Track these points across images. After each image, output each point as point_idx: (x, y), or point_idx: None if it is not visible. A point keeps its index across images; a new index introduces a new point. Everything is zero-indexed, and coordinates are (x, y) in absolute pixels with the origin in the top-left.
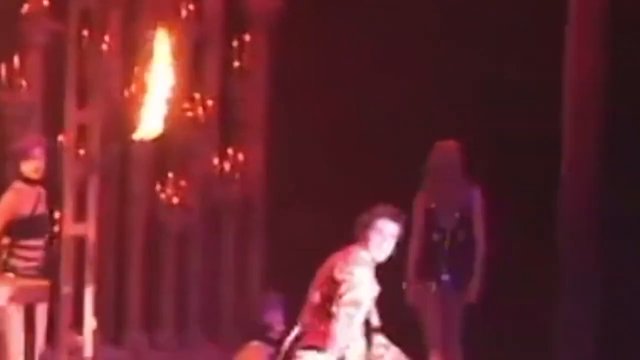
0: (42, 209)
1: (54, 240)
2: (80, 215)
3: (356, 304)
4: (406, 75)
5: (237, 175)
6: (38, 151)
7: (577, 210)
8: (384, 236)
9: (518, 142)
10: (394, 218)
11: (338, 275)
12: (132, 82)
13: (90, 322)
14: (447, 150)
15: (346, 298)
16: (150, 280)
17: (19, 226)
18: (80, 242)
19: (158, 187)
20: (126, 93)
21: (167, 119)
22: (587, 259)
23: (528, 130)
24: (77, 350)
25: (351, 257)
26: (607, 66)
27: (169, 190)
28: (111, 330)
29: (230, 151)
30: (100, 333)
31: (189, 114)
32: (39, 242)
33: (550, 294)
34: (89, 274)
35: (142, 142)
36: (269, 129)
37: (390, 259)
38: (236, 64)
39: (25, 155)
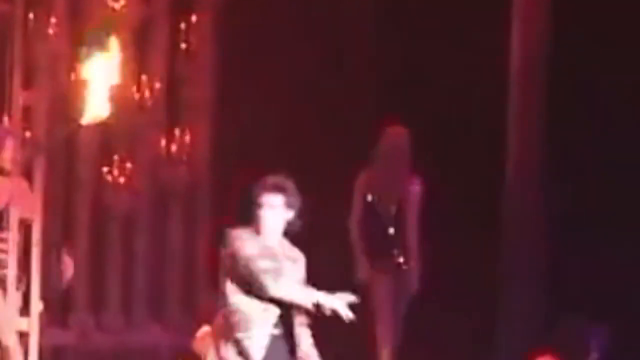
0: (17, 202)
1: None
2: None
3: (244, 277)
4: (354, 56)
5: (184, 157)
6: (11, 141)
7: (522, 194)
8: (264, 209)
9: (462, 126)
10: (271, 189)
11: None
12: (79, 64)
13: (36, 305)
14: (396, 136)
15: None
16: (97, 263)
17: None
18: (26, 226)
19: (105, 169)
20: (72, 76)
21: (114, 101)
22: (533, 246)
23: (473, 114)
24: (24, 333)
25: (232, 234)
26: (551, 48)
27: (116, 173)
28: (57, 313)
29: (177, 133)
30: (47, 315)
31: (136, 96)
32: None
33: (495, 284)
34: (35, 257)
35: (88, 125)
36: (216, 111)
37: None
38: (183, 45)
39: None
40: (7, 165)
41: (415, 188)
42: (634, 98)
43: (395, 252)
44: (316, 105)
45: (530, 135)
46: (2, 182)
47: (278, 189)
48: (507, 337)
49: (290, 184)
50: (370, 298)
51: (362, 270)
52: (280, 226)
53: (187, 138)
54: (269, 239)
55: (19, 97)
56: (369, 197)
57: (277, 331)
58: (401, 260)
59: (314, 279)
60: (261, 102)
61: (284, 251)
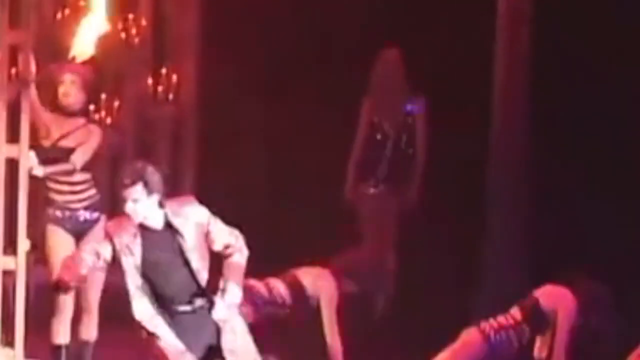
0: (74, 142)
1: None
2: (13, 137)
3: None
4: None
5: (170, 96)
6: (71, 77)
7: (511, 112)
8: (128, 204)
9: (453, 51)
10: (128, 184)
11: None
12: (66, 3)
13: (23, 243)
14: (389, 59)
15: None
16: None
17: (43, 155)
18: (13, 164)
19: (91, 108)
20: (59, 14)
21: (101, 40)
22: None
23: (462, 38)
24: (10, 272)
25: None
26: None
27: (103, 111)
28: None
29: (163, 71)
30: (33, 254)
31: (122, 34)
32: (72, 177)
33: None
34: (22, 196)
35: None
36: (203, 49)
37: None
38: None
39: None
40: (66, 102)
41: (422, 109)
42: (621, 58)
43: (385, 172)
44: (307, 37)
45: (519, 49)
46: (62, 119)
47: (134, 181)
48: (492, 274)
49: (146, 170)
50: (358, 218)
51: (350, 191)
52: (153, 211)
53: (174, 77)
54: (151, 224)
55: (6, 36)
56: (374, 119)
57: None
58: (386, 181)
59: (307, 197)
60: (249, 40)
61: (169, 226)
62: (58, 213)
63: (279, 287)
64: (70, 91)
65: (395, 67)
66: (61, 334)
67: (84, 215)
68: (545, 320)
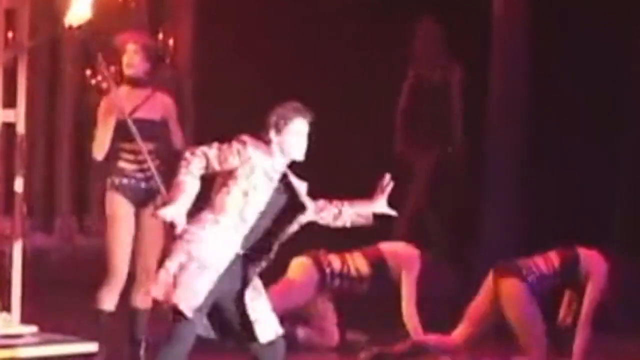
0: (146, 113)
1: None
2: (10, 101)
3: None
4: None
5: (167, 60)
6: (133, 47)
7: (511, 55)
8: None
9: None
10: (299, 116)
11: None
12: None
13: (20, 208)
14: (427, 29)
15: None
16: (79, 166)
17: (118, 128)
18: (10, 128)
19: (88, 72)
20: None
21: (97, 4)
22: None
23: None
24: (7, 237)
25: None
26: None
27: (99, 76)
28: (41, 217)
29: (160, 35)
30: (31, 220)
31: None
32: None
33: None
34: (18, 161)
35: (71, 27)
36: (199, 12)
37: None
38: None
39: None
40: (131, 72)
41: (457, 77)
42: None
43: (422, 133)
44: (300, 5)
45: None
46: (130, 91)
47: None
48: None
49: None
50: (408, 171)
51: (400, 143)
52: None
53: (170, 40)
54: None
55: (2, 1)
56: (414, 86)
57: None
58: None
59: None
60: (245, 2)
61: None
62: (125, 181)
63: (358, 260)
64: (134, 61)
65: (433, 37)
66: (108, 301)
67: (147, 185)
68: (578, 278)
